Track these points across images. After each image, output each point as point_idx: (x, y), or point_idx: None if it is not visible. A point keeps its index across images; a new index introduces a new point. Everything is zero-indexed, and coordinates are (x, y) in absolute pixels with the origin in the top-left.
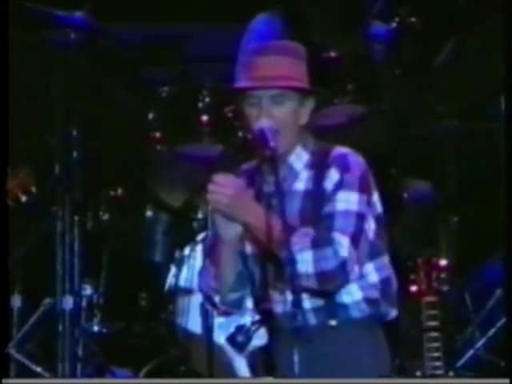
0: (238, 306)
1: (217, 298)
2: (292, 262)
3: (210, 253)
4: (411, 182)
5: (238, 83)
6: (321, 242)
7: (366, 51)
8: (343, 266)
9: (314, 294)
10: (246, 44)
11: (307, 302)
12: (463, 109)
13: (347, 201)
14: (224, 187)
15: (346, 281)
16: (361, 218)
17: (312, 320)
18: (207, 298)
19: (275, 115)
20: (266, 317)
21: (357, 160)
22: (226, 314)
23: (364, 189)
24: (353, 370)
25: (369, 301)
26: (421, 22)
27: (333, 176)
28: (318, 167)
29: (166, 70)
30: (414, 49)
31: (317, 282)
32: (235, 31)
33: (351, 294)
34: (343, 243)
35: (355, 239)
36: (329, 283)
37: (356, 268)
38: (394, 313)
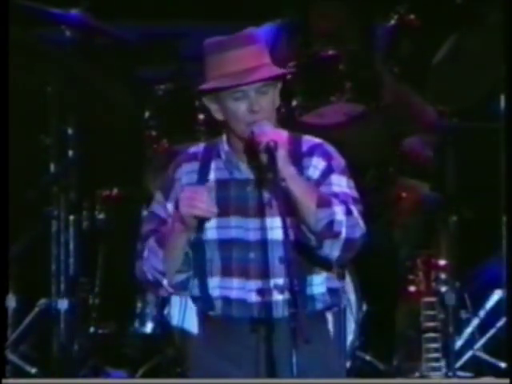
0: (184, 287)
1: (165, 281)
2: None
3: (161, 237)
4: (409, 182)
5: (225, 81)
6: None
7: (365, 49)
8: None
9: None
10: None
11: (276, 294)
12: (463, 107)
13: (339, 184)
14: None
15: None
16: (355, 200)
17: (280, 312)
18: (153, 282)
19: (263, 106)
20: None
21: (334, 150)
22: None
23: (350, 176)
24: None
25: (331, 291)
26: (420, 19)
27: (317, 164)
28: (293, 156)
29: (163, 69)
30: (413, 47)
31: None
32: (232, 30)
33: (318, 286)
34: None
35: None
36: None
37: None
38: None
